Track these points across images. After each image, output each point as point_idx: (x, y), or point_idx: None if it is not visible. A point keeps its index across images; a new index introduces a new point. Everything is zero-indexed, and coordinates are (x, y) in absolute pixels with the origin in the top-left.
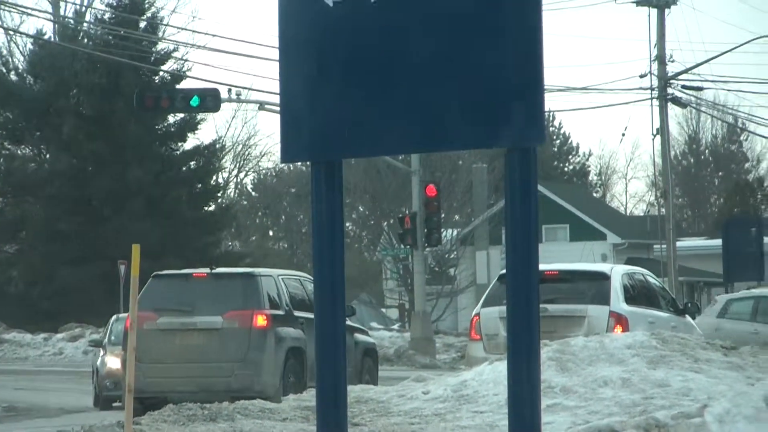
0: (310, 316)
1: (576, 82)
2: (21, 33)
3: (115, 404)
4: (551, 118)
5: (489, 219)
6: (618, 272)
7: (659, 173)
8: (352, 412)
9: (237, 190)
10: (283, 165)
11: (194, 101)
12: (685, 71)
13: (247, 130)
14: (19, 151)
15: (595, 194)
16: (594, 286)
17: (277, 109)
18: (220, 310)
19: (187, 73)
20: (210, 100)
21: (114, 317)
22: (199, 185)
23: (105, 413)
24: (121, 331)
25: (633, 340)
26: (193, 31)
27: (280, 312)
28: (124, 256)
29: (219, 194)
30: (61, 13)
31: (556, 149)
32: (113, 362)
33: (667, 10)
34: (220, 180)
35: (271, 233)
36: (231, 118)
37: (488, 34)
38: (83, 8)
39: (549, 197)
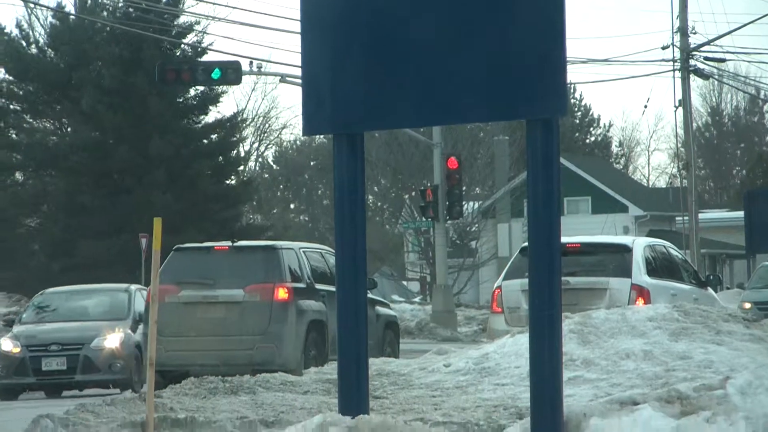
0: (332, 289)
1: (598, 54)
2: (41, 5)
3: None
4: (573, 90)
5: (511, 191)
6: (640, 244)
7: (681, 145)
8: (374, 384)
9: (258, 163)
10: (304, 137)
11: (215, 74)
12: (708, 43)
13: (267, 102)
14: (40, 125)
15: (617, 166)
16: (616, 259)
17: (299, 81)
18: (242, 283)
19: (208, 47)
20: (231, 73)
21: (39, 295)
22: (221, 158)
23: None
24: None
25: (655, 313)
26: (214, 3)
27: (302, 285)
28: (145, 229)
29: (240, 167)
30: None
31: (577, 121)
32: (7, 345)
33: None
34: (242, 153)
35: (292, 206)
36: (251, 90)
37: (509, 5)
38: None
39: (571, 169)
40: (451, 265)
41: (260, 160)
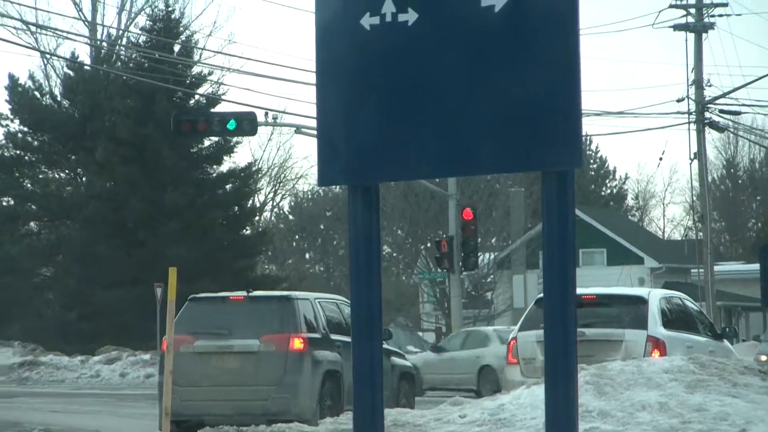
0: (347, 339)
1: (613, 106)
2: (57, 56)
3: None
4: (588, 142)
5: (526, 243)
6: (656, 296)
7: (697, 197)
8: None
9: (273, 213)
10: (319, 188)
11: (231, 125)
12: (723, 95)
13: (282, 153)
14: (54, 175)
15: (632, 218)
16: (631, 310)
17: (313, 132)
18: (257, 333)
19: (223, 97)
20: (247, 124)
21: None
22: (236, 208)
23: None
24: None
25: (671, 365)
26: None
27: (317, 335)
28: (160, 279)
29: (255, 217)
30: (98, 37)
31: (593, 173)
32: None
33: (704, 35)
34: (257, 203)
35: (307, 256)
36: (267, 141)
37: (525, 56)
38: (119, 32)
39: (586, 221)
40: (466, 315)
41: (275, 210)
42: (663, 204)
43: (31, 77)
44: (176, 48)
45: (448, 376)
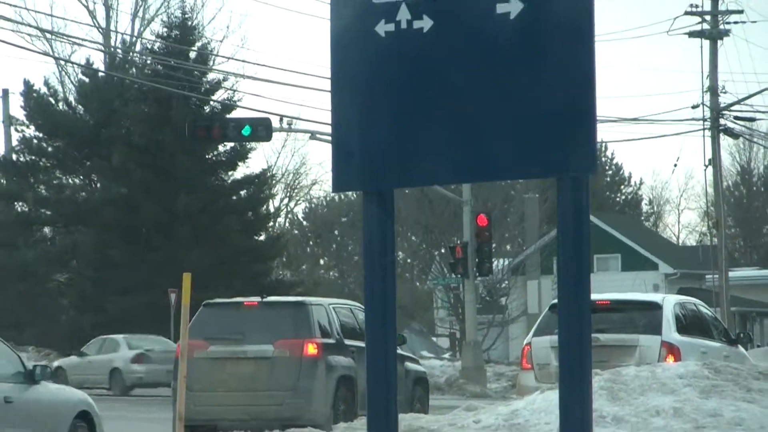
0: (361, 344)
1: (628, 113)
2: (72, 62)
3: None
4: (603, 148)
5: (540, 249)
6: (670, 302)
7: (711, 204)
8: None
9: (288, 219)
10: (334, 194)
11: (246, 131)
12: (738, 102)
13: (297, 158)
14: (69, 181)
15: (647, 224)
16: (646, 316)
17: (328, 138)
18: (271, 339)
19: (237, 103)
20: (262, 130)
21: None
22: (250, 214)
23: None
24: None
25: (685, 370)
26: (243, 61)
27: (331, 341)
28: (174, 285)
29: (270, 223)
30: (112, 43)
31: (608, 179)
32: None
33: (719, 42)
34: (271, 209)
35: (322, 262)
36: (281, 147)
37: (540, 62)
38: (133, 38)
39: (601, 227)
40: (480, 321)
41: (290, 216)
42: (678, 210)
43: (46, 83)
44: (192, 54)
45: (87, 376)
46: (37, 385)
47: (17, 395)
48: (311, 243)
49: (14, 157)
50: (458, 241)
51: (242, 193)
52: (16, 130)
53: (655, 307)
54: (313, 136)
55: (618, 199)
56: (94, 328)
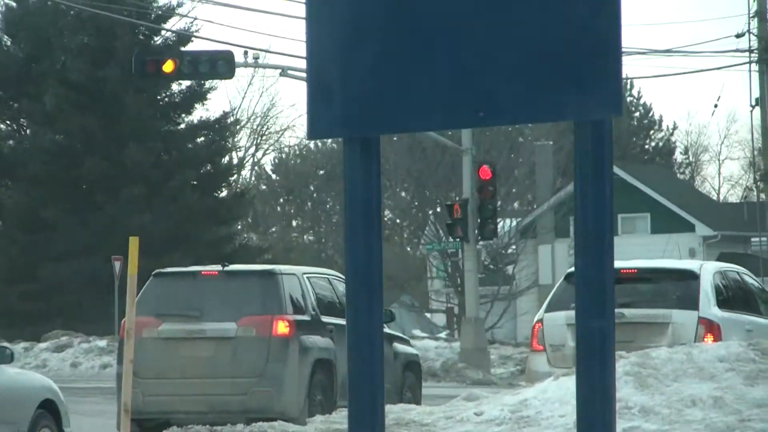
0: (342, 322)
1: (658, 44)
2: None
3: None
4: (629, 86)
5: (554, 207)
6: (709, 270)
7: (758, 152)
8: None
9: (254, 172)
10: (309, 142)
11: (204, 66)
12: None
13: (265, 100)
14: None
15: (681, 177)
16: (680, 287)
17: (302, 75)
18: (234, 316)
19: (195, 33)
20: (222, 65)
21: None
22: (209, 166)
23: None
24: None
25: (727, 352)
26: None
27: (306, 317)
28: (119, 251)
29: (232, 177)
30: None
31: (635, 123)
32: None
33: None
34: (234, 160)
35: (294, 223)
36: (247, 86)
37: None
38: None
39: (626, 181)
40: (483, 294)
41: (256, 168)
42: (718, 160)
43: None
44: None
45: None
46: None
47: None
48: (282, 201)
49: None
50: (457, 198)
51: (200, 141)
52: None
53: (691, 277)
54: (284, 72)
55: (647, 146)
56: (23, 299)
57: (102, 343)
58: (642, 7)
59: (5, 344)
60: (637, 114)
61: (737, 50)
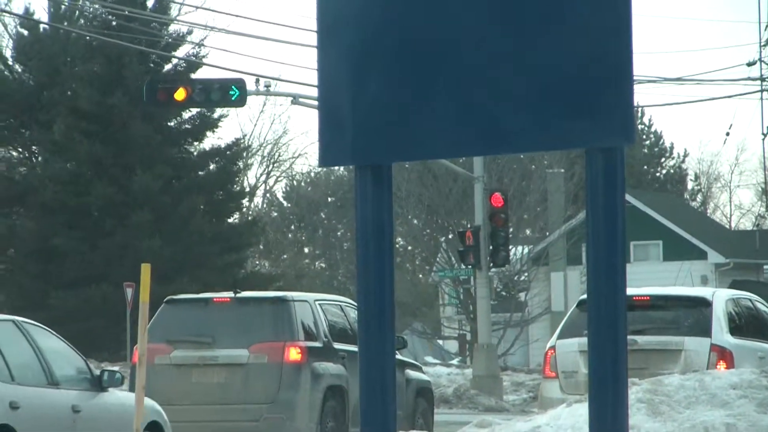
0: (354, 348)
1: (670, 72)
2: (9, 12)
3: None
4: (641, 114)
5: (567, 234)
6: (721, 298)
7: None
8: None
9: (265, 199)
10: (321, 169)
11: (215, 93)
12: None
13: (277, 127)
14: (4, 154)
15: (693, 205)
16: (692, 314)
17: (314, 102)
18: (246, 342)
19: (205, 61)
20: (234, 93)
21: None
22: (220, 193)
23: None
24: None
25: (739, 379)
26: (212, 10)
27: (317, 344)
28: (131, 278)
29: (244, 204)
30: None
31: (646, 150)
32: None
33: None
34: (245, 187)
35: (306, 250)
36: (258, 113)
37: (565, 11)
38: None
39: (638, 208)
40: (495, 321)
41: (268, 195)
42: (730, 188)
43: None
44: (150, 2)
45: None
46: (104, 393)
47: (85, 403)
48: (293, 227)
49: None
50: (469, 225)
51: (211, 168)
52: None
53: (704, 304)
54: (296, 100)
55: (658, 174)
56: None
57: (114, 369)
58: (653, 35)
59: (116, 368)
60: (648, 142)
61: (749, 78)
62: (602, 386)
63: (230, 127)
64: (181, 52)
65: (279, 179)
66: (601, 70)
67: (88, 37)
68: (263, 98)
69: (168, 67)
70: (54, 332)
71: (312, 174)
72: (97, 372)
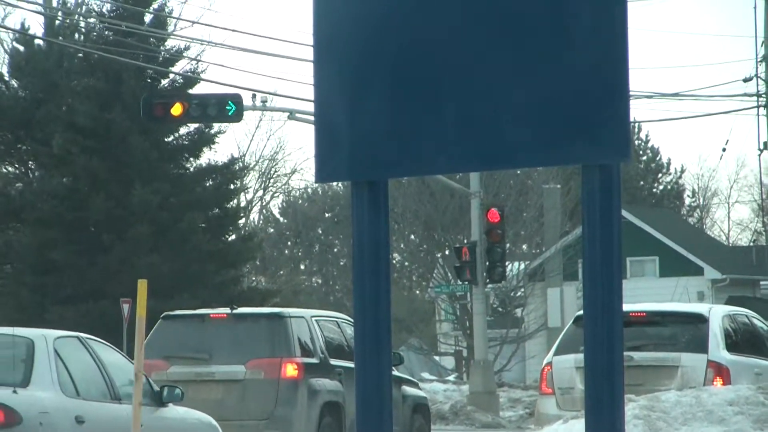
0: (350, 365)
1: (666, 87)
2: (5, 28)
3: None
4: (637, 129)
5: (563, 250)
6: (717, 314)
7: (767, 196)
8: None
9: (262, 216)
10: (317, 185)
11: (212, 109)
12: None
13: (273, 143)
14: (1, 169)
15: (690, 221)
16: (689, 331)
17: (310, 118)
18: (243, 358)
19: (202, 76)
20: (230, 108)
21: None
22: (217, 209)
23: None
24: None
25: (736, 395)
26: (209, 26)
27: (314, 360)
28: (127, 294)
29: (240, 220)
30: (52, 4)
31: (642, 166)
32: None
33: None
34: (242, 203)
35: (303, 266)
36: (254, 129)
37: (562, 28)
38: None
39: (635, 224)
40: (491, 337)
41: (264, 211)
42: (727, 203)
43: None
44: (147, 18)
45: None
46: (164, 408)
47: (146, 418)
48: (290, 243)
49: None
50: (465, 241)
51: (208, 184)
52: None
53: (700, 320)
54: (292, 115)
55: (655, 190)
56: None
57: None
58: (650, 49)
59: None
60: (644, 157)
61: (745, 94)
62: (599, 403)
63: (227, 142)
64: (178, 67)
65: (275, 195)
66: (598, 89)
67: (84, 53)
68: (260, 113)
69: (165, 82)
70: (115, 347)
71: (308, 190)
72: (158, 388)
